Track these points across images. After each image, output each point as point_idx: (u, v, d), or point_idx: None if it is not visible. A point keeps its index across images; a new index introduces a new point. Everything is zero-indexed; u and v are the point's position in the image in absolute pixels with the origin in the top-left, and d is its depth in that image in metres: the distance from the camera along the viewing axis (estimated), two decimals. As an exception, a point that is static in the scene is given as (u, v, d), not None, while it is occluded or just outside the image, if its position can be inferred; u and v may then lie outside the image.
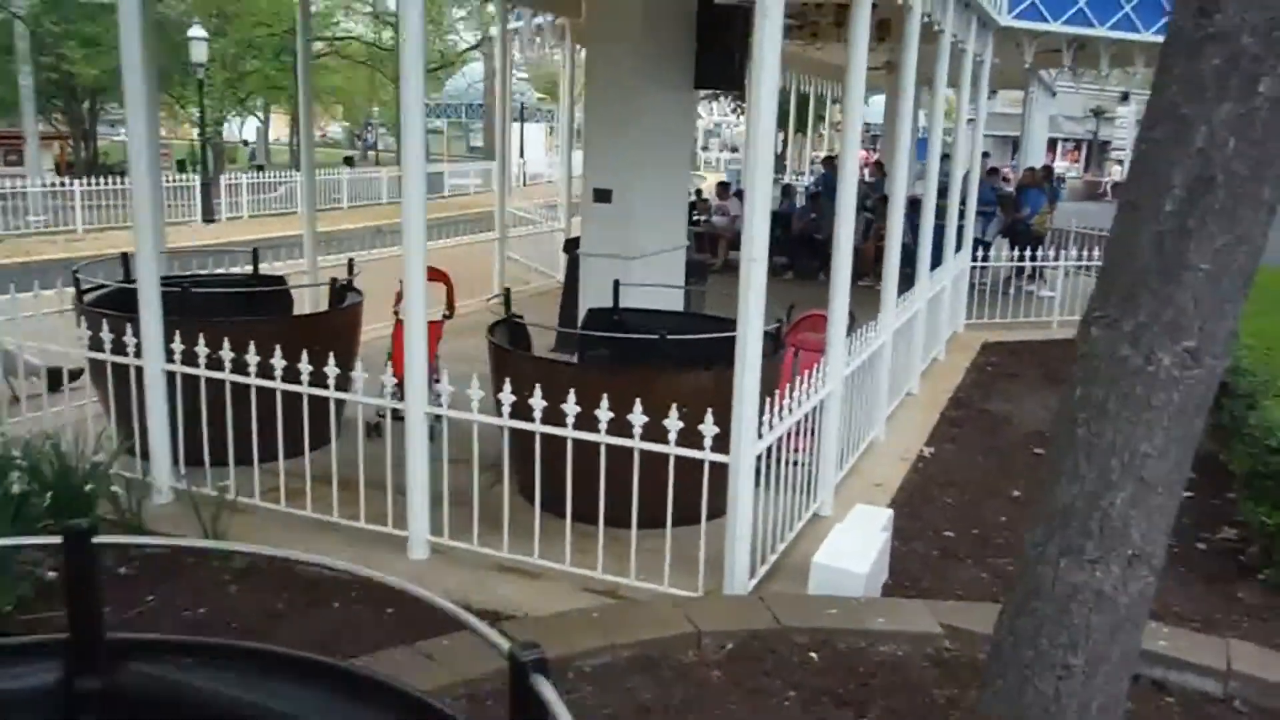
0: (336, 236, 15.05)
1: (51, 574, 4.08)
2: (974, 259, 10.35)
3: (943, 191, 12.53)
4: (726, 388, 4.06)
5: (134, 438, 4.99)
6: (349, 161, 33.02)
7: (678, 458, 4.07)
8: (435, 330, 6.42)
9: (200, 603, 4.01)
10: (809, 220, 14.06)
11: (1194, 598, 4.51)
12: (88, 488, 4.35)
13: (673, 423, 4.02)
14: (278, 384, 4.63)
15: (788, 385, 4.72)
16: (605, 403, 4.10)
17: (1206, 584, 4.66)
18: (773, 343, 5.39)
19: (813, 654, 3.35)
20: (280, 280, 6.73)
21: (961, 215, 10.46)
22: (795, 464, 5.26)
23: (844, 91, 5.33)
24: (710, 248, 14.11)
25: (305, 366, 4.57)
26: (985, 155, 23.39)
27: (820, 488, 5.29)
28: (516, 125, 34.28)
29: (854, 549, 3.98)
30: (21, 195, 17.51)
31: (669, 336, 4.85)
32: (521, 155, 33.46)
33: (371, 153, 42.82)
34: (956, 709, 3.13)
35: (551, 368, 5.00)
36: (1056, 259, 10.74)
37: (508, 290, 5.73)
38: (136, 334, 4.87)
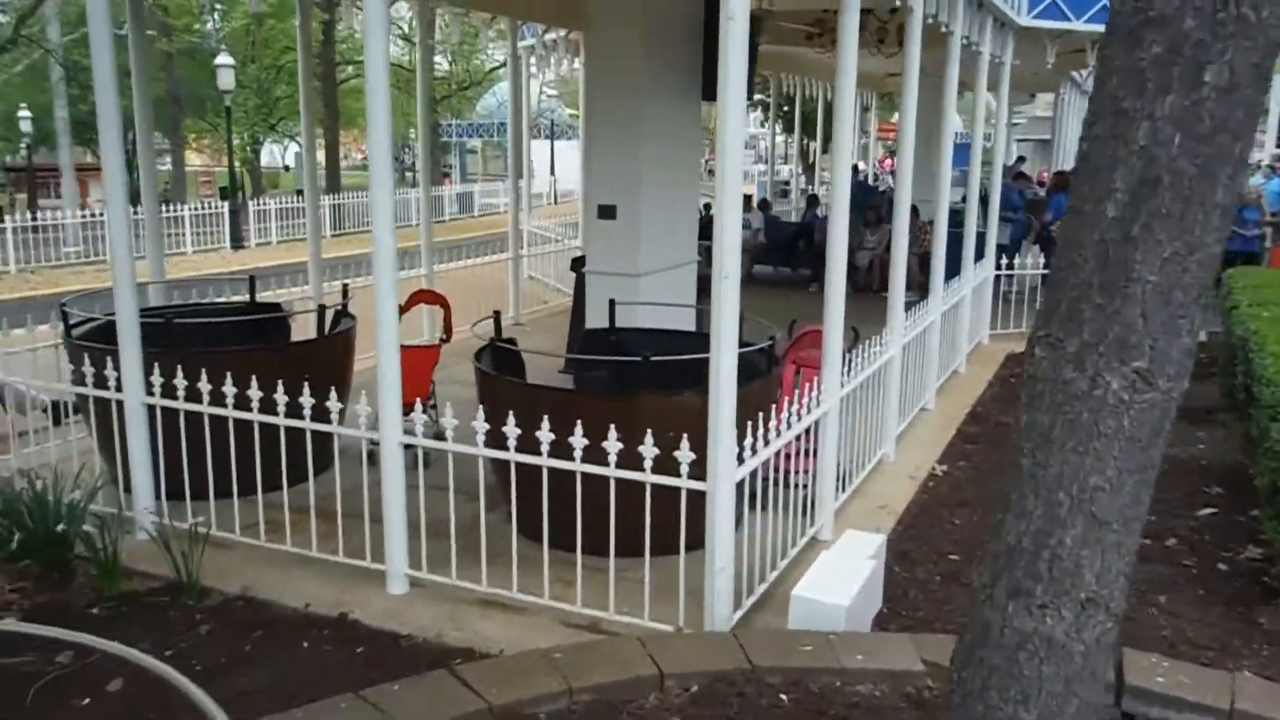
0: (363, 259, 15.11)
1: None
2: (998, 266, 10.05)
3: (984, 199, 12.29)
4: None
5: (118, 472, 4.93)
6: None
7: (660, 485, 3.90)
8: (432, 355, 6.33)
9: (168, 645, 3.91)
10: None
11: (1211, 622, 4.24)
12: (59, 527, 4.27)
13: (648, 449, 3.86)
14: (254, 416, 4.54)
15: (781, 405, 4.55)
16: (579, 430, 3.95)
17: (1226, 607, 4.38)
18: (767, 360, 5.22)
19: (783, 695, 3.15)
20: (276, 308, 6.66)
21: (984, 222, 10.20)
22: (796, 486, 5.07)
23: (834, 95, 5.13)
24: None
25: (281, 398, 4.47)
26: (1020, 160, 23.05)
27: (819, 510, 5.08)
28: (546, 143, 34.40)
29: (837, 580, 3.78)
30: (59, 227, 17.83)
31: (652, 358, 4.68)
32: (552, 172, 33.51)
33: (409, 173, 43.24)
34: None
35: (534, 393, 4.85)
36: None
37: (497, 314, 5.59)
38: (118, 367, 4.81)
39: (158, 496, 4.88)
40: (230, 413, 4.57)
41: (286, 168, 42.65)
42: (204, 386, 4.59)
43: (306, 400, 4.42)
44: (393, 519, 4.36)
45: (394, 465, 4.34)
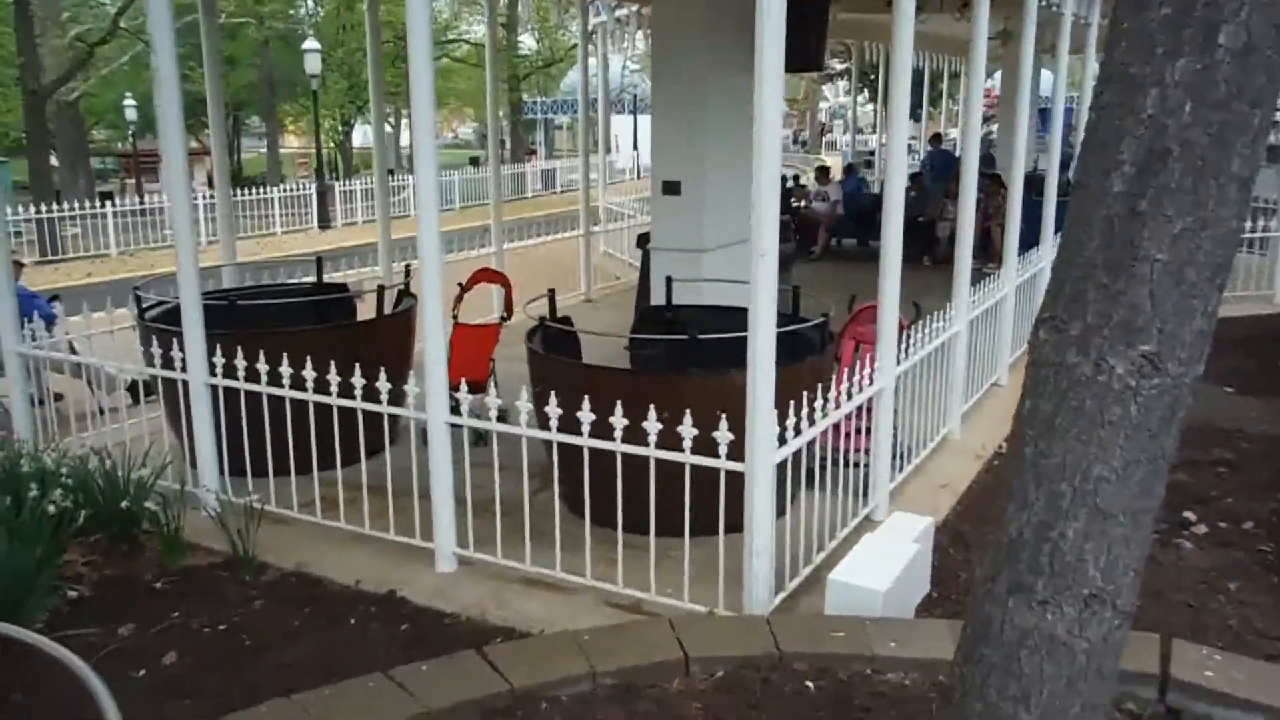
0: (445, 236, 15.32)
1: (73, 592, 4.20)
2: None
3: (1065, 165, 11.83)
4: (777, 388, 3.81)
5: (185, 450, 5.10)
6: (474, 162, 33.69)
7: (702, 465, 3.86)
8: (492, 333, 6.38)
9: (222, 619, 4.04)
10: (909, 201, 13.46)
11: (1286, 612, 4.02)
12: (123, 504, 4.44)
13: (687, 429, 3.82)
14: (309, 395, 4.63)
15: (840, 380, 4.45)
16: (619, 409, 3.93)
17: (1303, 595, 4.15)
18: (820, 337, 5.11)
19: (809, 683, 3.09)
20: (343, 288, 6.79)
21: (1065, 192, 9.81)
22: (856, 465, 4.97)
23: (891, 57, 4.97)
24: (810, 235, 13.71)
25: (334, 378, 4.55)
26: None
27: (874, 490, 4.97)
28: (629, 118, 34.31)
29: (877, 564, 3.68)
30: (162, 210, 18.51)
31: (700, 336, 4.63)
32: (635, 147, 33.44)
33: (500, 151, 43.74)
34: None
35: (582, 372, 4.85)
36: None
37: (552, 292, 5.59)
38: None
39: (222, 473, 5.04)
40: (286, 392, 4.68)
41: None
42: (262, 367, 4.70)
43: (358, 381, 4.49)
44: (441, 498, 4.42)
45: (441, 445, 4.38)
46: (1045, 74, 17.69)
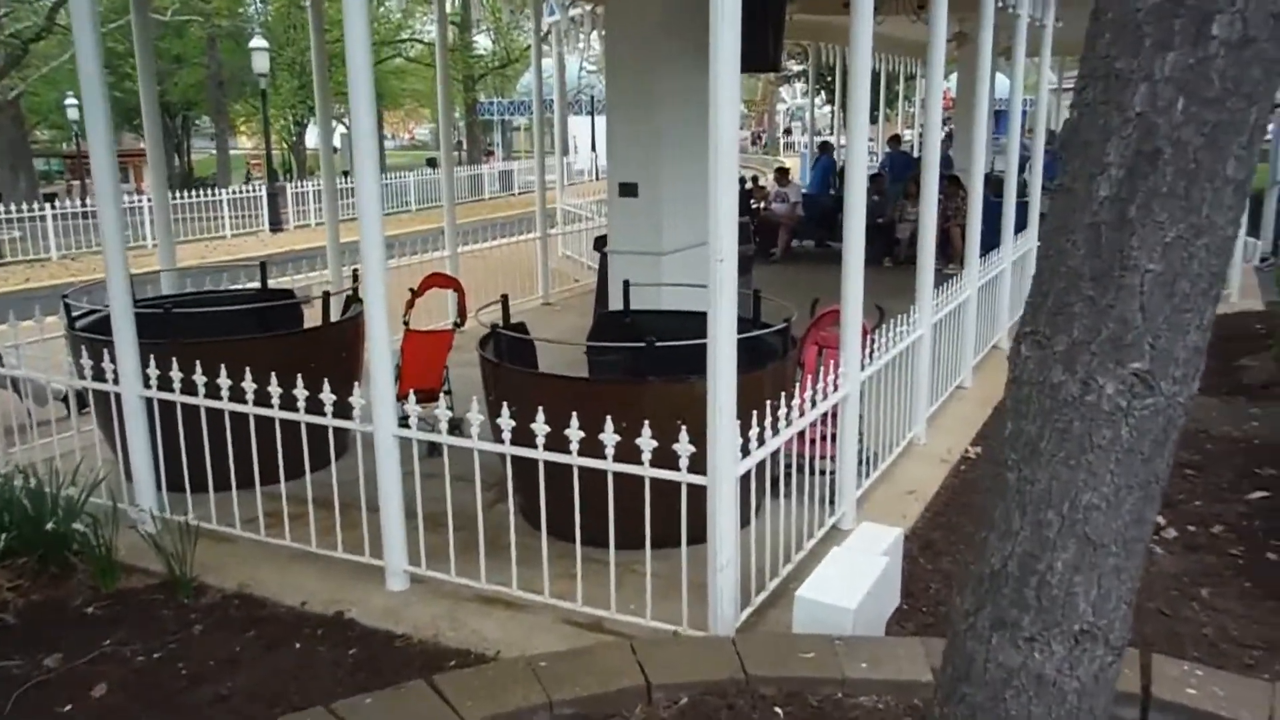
0: (398, 240, 15.06)
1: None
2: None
3: (1023, 166, 11.82)
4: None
5: (121, 465, 4.86)
6: (431, 163, 33.30)
7: (661, 479, 3.71)
8: (445, 340, 6.18)
9: (157, 646, 3.82)
10: (870, 203, 13.44)
11: (1259, 619, 3.96)
12: (48, 526, 4.20)
13: (646, 442, 3.67)
14: (249, 409, 4.42)
15: (804, 387, 4.33)
16: (575, 421, 3.77)
17: (1276, 601, 4.09)
18: (782, 342, 4.98)
19: (778, 709, 2.95)
20: (289, 295, 6.55)
21: (1024, 192, 9.80)
22: (821, 472, 4.86)
23: (850, 59, 4.87)
24: (770, 237, 13.62)
25: (275, 389, 4.34)
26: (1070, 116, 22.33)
27: (841, 498, 4.86)
28: (587, 119, 34.12)
29: (846, 579, 3.56)
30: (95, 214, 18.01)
31: (658, 343, 4.48)
32: (594, 148, 33.25)
33: (455, 153, 43.37)
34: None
35: (537, 381, 4.68)
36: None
37: (505, 297, 5.41)
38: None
39: (160, 489, 4.81)
40: (225, 405, 4.46)
41: (335, 149, 42.98)
42: (199, 378, 4.48)
43: (300, 392, 4.29)
44: (390, 514, 4.23)
45: (389, 459, 4.20)
46: (1000, 77, 17.79)
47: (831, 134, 26.97)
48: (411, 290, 6.28)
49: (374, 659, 3.73)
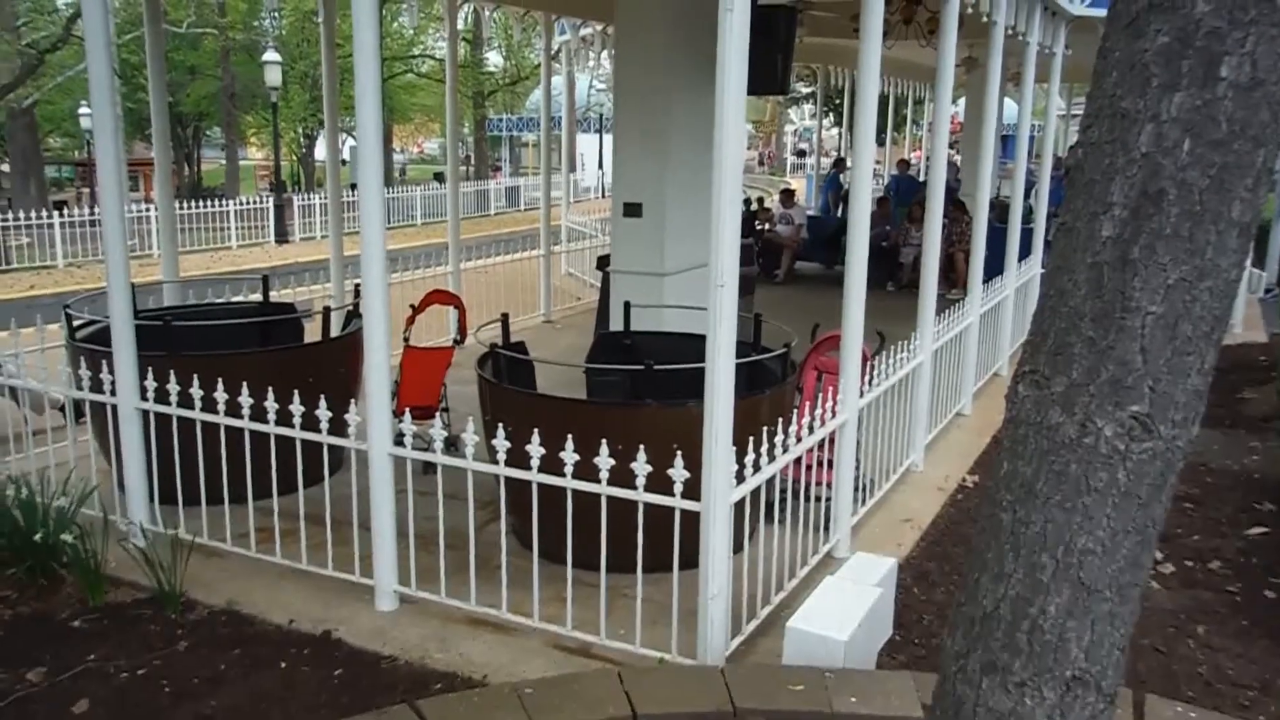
0: (401, 254, 15.08)
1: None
2: (1045, 264, 9.60)
3: (1028, 192, 11.81)
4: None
5: (114, 476, 4.84)
6: (439, 177, 33.38)
7: (657, 505, 3.67)
8: (444, 357, 6.16)
9: (142, 663, 3.78)
10: (875, 228, 13.45)
11: (1254, 658, 3.91)
12: (36, 537, 4.16)
13: (640, 466, 3.64)
14: (245, 423, 4.39)
15: (802, 412, 4.30)
16: (570, 443, 3.74)
17: (1271, 640, 4.04)
18: (781, 367, 4.95)
19: (766, 743, 2.92)
20: (290, 308, 6.53)
21: (1029, 219, 9.79)
22: (817, 499, 4.82)
23: (858, 82, 4.86)
24: (774, 258, 13.61)
25: (272, 405, 4.31)
26: (1074, 149, 22.36)
27: (835, 525, 4.81)
28: (595, 137, 34.22)
29: (838, 610, 3.51)
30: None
31: (657, 366, 4.46)
32: (600, 166, 33.33)
33: (462, 167, 43.54)
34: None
35: (534, 402, 4.65)
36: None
37: (505, 316, 5.39)
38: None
39: (152, 501, 4.77)
40: (221, 419, 4.44)
41: (344, 162, 43.15)
42: (196, 392, 4.45)
43: (296, 408, 4.26)
44: (382, 533, 4.19)
45: (382, 478, 4.17)
46: (1007, 102, 17.83)
47: (840, 155, 27.05)
48: (412, 306, 6.27)
49: (359, 680, 3.69)
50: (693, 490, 3.61)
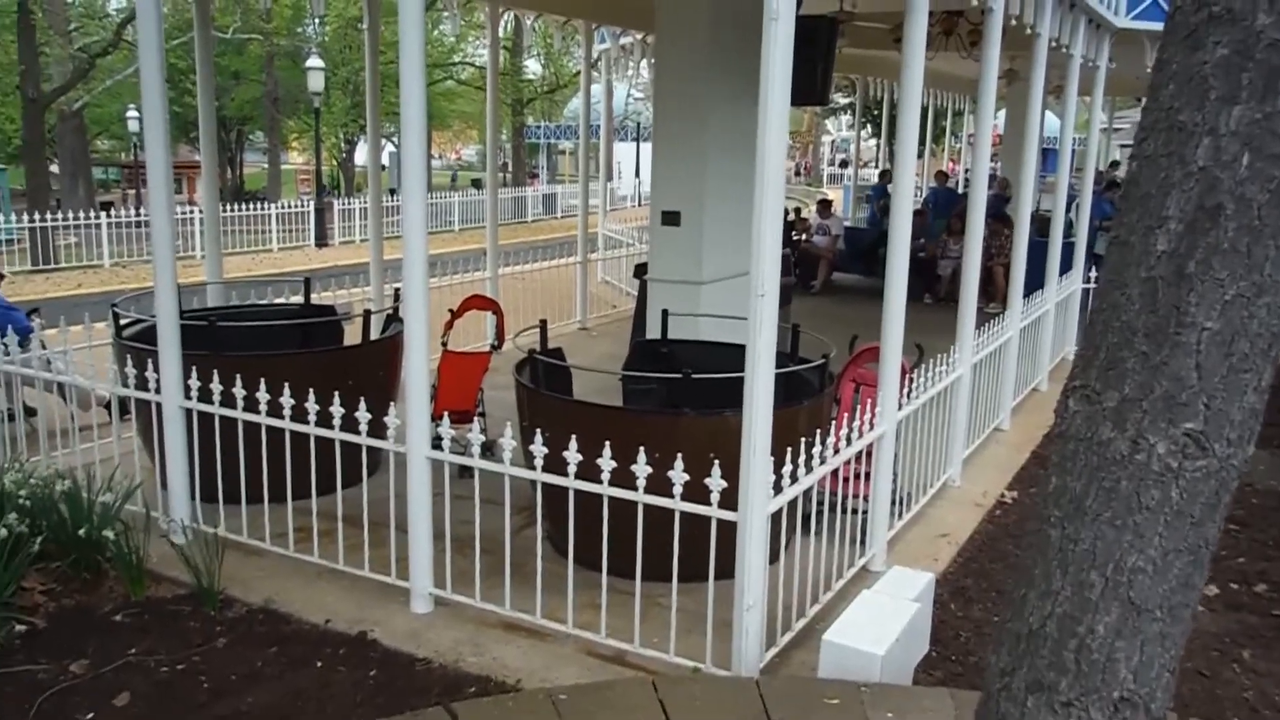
0: (440, 259, 15.19)
1: (25, 625, 3.98)
2: (1087, 279, 9.50)
3: (1069, 206, 11.65)
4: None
5: (157, 473, 4.91)
6: (476, 184, 33.59)
7: (693, 512, 3.67)
8: (481, 362, 6.19)
9: (182, 658, 3.82)
10: (912, 240, 13.34)
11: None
12: (80, 532, 4.23)
13: (678, 475, 3.63)
14: (286, 424, 4.44)
15: (840, 424, 4.28)
16: (607, 450, 3.75)
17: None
18: (819, 379, 4.93)
19: (801, 756, 2.90)
20: (331, 310, 6.60)
21: (1070, 233, 9.68)
22: (854, 511, 4.79)
23: (899, 93, 4.84)
24: (810, 269, 13.57)
25: (312, 405, 4.36)
26: (1114, 165, 22.09)
27: (871, 539, 4.78)
28: (632, 145, 34.31)
29: (875, 624, 3.48)
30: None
31: (694, 375, 4.45)
32: (637, 175, 33.42)
33: (500, 174, 43.81)
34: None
35: (571, 408, 4.66)
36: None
37: (543, 322, 5.41)
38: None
39: (193, 498, 4.83)
40: (262, 419, 4.49)
41: (383, 167, 43.57)
42: (238, 391, 4.51)
43: (336, 410, 4.30)
44: (419, 536, 4.22)
45: (420, 481, 4.19)
46: (1049, 115, 17.65)
47: (876, 166, 26.91)
48: (451, 311, 6.31)
49: (394, 681, 3.71)
50: (729, 500, 3.61)
